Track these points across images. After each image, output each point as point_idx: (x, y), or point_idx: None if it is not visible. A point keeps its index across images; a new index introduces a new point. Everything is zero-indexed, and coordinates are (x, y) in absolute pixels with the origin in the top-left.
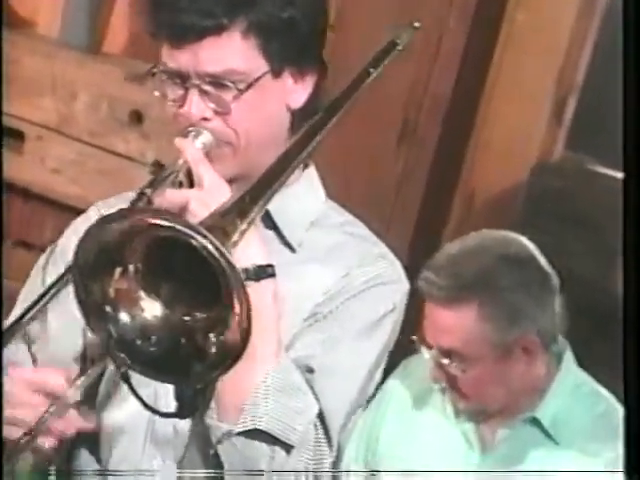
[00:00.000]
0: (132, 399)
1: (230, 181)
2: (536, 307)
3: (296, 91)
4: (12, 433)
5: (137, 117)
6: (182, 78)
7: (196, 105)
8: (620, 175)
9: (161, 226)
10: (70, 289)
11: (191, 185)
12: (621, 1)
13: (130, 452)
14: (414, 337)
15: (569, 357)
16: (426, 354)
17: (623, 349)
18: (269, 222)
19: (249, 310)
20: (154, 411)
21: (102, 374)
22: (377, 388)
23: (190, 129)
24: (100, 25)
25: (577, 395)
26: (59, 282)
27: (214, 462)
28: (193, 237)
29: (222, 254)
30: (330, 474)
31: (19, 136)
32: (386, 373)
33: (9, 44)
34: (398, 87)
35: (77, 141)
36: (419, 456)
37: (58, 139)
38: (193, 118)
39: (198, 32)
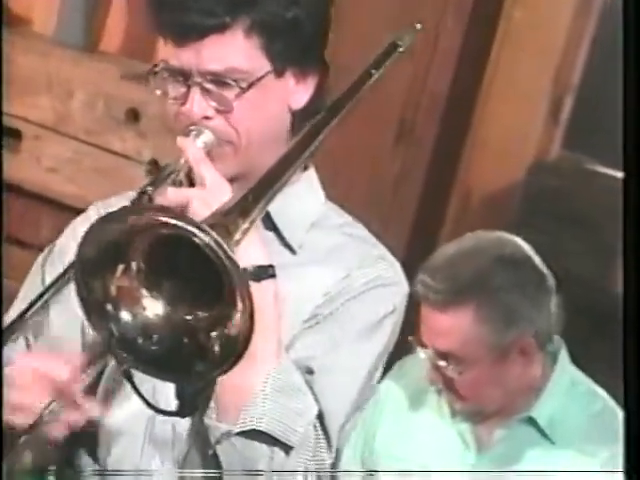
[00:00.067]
0: (132, 399)
1: (231, 180)
2: (532, 308)
3: (298, 92)
4: (15, 419)
5: (133, 115)
6: (184, 76)
7: (198, 103)
8: (617, 174)
9: (165, 224)
10: (72, 287)
11: (191, 185)
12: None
13: (129, 452)
14: (410, 338)
15: (564, 356)
16: (422, 354)
17: (623, 349)
18: (269, 223)
19: (252, 308)
20: (155, 409)
21: (101, 373)
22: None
23: (191, 128)
24: (96, 23)
25: (573, 394)
26: (60, 280)
27: (213, 462)
28: (196, 235)
29: (225, 252)
30: (329, 474)
31: (15, 135)
32: (382, 373)
33: (4, 43)
34: (395, 86)
35: (73, 140)
36: (416, 456)
37: (54, 138)
38: (194, 116)
39: (201, 30)
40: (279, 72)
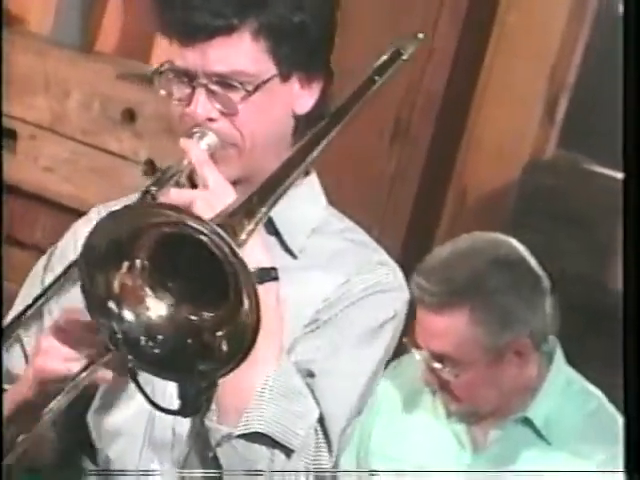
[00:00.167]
0: (132, 401)
1: (233, 183)
2: (527, 309)
3: (302, 96)
4: (57, 366)
5: (130, 116)
6: (189, 77)
7: (202, 105)
8: (613, 173)
9: (173, 221)
10: (72, 287)
11: (193, 186)
12: (612, 3)
13: (128, 454)
14: (405, 339)
15: (560, 356)
16: (417, 355)
17: (623, 348)
18: (271, 228)
19: (258, 307)
20: (158, 407)
21: None
22: None
23: (195, 130)
24: (92, 23)
25: (568, 394)
26: (60, 279)
27: (213, 465)
28: (205, 233)
29: (233, 251)
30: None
31: (12, 135)
32: None
33: (2, 42)
34: (391, 87)
35: (70, 140)
36: (411, 456)
37: (51, 138)
38: (199, 118)
39: (208, 31)
40: (285, 76)
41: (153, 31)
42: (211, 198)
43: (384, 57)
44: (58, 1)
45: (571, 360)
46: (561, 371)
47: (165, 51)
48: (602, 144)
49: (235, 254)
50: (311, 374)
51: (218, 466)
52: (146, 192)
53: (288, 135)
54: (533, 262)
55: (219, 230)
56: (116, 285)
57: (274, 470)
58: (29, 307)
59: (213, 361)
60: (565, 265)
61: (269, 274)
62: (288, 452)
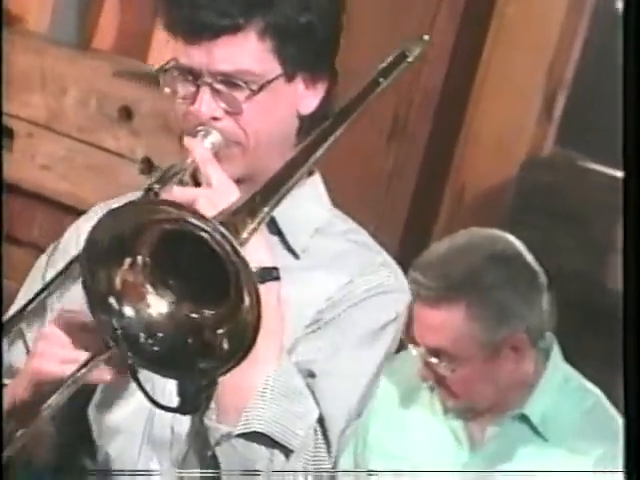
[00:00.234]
0: (131, 398)
1: (237, 182)
2: (524, 305)
3: (307, 97)
4: (52, 369)
5: (127, 113)
6: (194, 75)
7: (207, 104)
8: (610, 171)
9: (175, 218)
10: (74, 283)
11: (196, 185)
12: None
13: (127, 452)
14: (401, 335)
15: (557, 353)
16: (414, 351)
17: (623, 348)
18: (274, 227)
19: (259, 306)
20: (158, 405)
21: None
22: None
23: (199, 129)
24: (89, 21)
25: (565, 390)
26: (65, 270)
27: (212, 464)
28: (206, 230)
29: (234, 248)
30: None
31: (9, 133)
32: None
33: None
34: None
35: (67, 137)
36: (408, 453)
37: (48, 135)
38: (203, 116)
39: (214, 30)
40: (289, 76)
41: (150, 29)
42: (214, 196)
43: (389, 59)
44: None
45: (568, 358)
46: (558, 368)
47: (170, 49)
48: (600, 141)
49: (237, 252)
50: (312, 374)
51: (217, 465)
52: (149, 189)
53: (292, 135)
54: (530, 258)
55: (221, 228)
56: (117, 281)
57: (273, 470)
58: (30, 302)
59: (213, 359)
60: (562, 262)
61: (271, 273)
62: (287, 452)
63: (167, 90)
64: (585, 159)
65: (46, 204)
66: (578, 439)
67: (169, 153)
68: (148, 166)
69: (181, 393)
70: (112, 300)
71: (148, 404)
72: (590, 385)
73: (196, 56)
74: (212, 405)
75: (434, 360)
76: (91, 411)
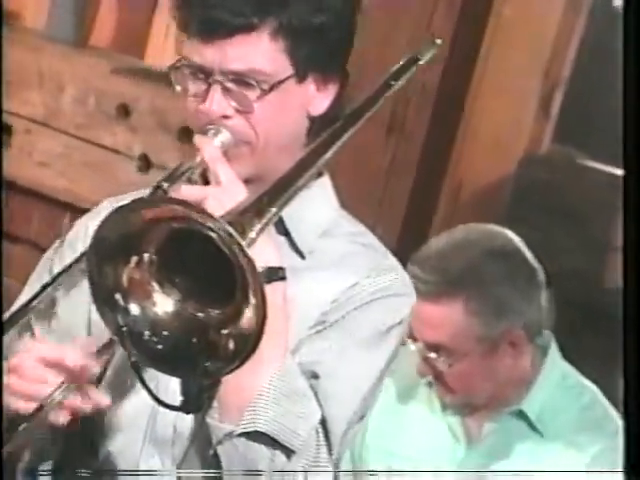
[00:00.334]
0: (134, 396)
1: (245, 182)
2: (522, 301)
3: (318, 98)
4: (20, 406)
5: (124, 110)
6: (205, 74)
7: (217, 102)
8: (608, 168)
9: (183, 217)
10: (80, 280)
11: (205, 183)
12: None
13: (128, 449)
14: None
15: (555, 350)
16: (412, 346)
17: (623, 347)
18: (281, 228)
19: (264, 306)
20: (161, 403)
21: (104, 369)
22: None
23: (209, 127)
24: (87, 18)
25: (563, 387)
26: (67, 271)
27: (213, 463)
28: (214, 229)
29: (241, 248)
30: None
31: (7, 130)
32: None
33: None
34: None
35: (64, 134)
36: (405, 449)
37: (46, 132)
38: (213, 115)
39: (228, 29)
40: (301, 77)
41: (147, 26)
42: (222, 195)
43: (401, 62)
44: None
45: (567, 356)
46: (556, 365)
47: (186, 47)
48: (598, 139)
49: (244, 252)
50: (315, 376)
51: (218, 464)
52: (157, 187)
53: (302, 135)
54: (528, 254)
55: (228, 227)
56: (124, 278)
57: (274, 470)
58: (37, 295)
59: (217, 359)
60: (560, 260)
61: (277, 274)
62: (289, 453)
63: (178, 88)
64: (583, 156)
65: (44, 201)
66: (575, 435)
67: (166, 150)
68: (145, 163)
69: (184, 392)
70: (118, 297)
71: (151, 401)
72: (587, 382)
73: (208, 54)
74: (215, 404)
75: (432, 355)
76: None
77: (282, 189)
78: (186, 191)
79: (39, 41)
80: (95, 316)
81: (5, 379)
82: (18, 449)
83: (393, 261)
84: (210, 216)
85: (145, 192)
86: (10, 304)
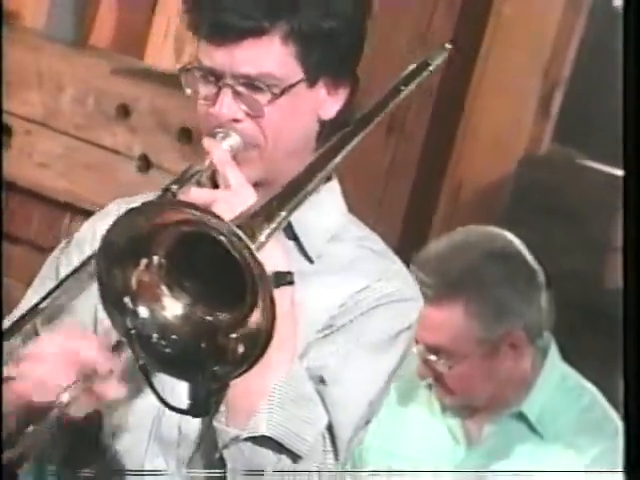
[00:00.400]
0: (139, 397)
1: (254, 185)
2: (522, 303)
3: (328, 102)
4: (37, 397)
5: (124, 111)
6: (216, 77)
7: (227, 106)
8: (607, 168)
9: (193, 220)
10: (87, 280)
11: (213, 187)
12: None
13: (134, 450)
14: None
15: (554, 352)
16: (413, 348)
17: (623, 347)
18: (289, 232)
19: (274, 311)
20: (169, 406)
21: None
22: None
23: (218, 130)
24: (86, 18)
25: (562, 389)
26: (81, 267)
27: (218, 466)
28: (224, 234)
29: (251, 252)
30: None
31: (7, 131)
32: None
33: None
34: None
35: (64, 135)
36: (405, 450)
37: (45, 133)
38: (223, 118)
39: (239, 32)
40: (312, 81)
41: (147, 26)
42: (232, 199)
43: (411, 67)
44: None
45: (567, 357)
46: (555, 366)
47: (200, 50)
48: (598, 139)
49: (253, 256)
50: (322, 381)
51: (223, 468)
52: (167, 190)
53: (312, 140)
54: (528, 256)
55: (238, 231)
56: (133, 281)
57: (276, 470)
58: (44, 298)
59: (226, 363)
60: (559, 260)
61: (285, 278)
62: (295, 458)
63: (188, 91)
64: (583, 157)
65: (44, 202)
66: (575, 437)
67: (166, 150)
68: (145, 163)
69: (192, 395)
70: (127, 300)
71: (156, 403)
72: (587, 383)
73: (219, 58)
74: (222, 407)
75: (432, 357)
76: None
77: (292, 193)
78: (195, 194)
79: (38, 41)
80: (102, 315)
81: (17, 370)
82: (21, 452)
83: (401, 266)
84: (220, 219)
85: (154, 194)
86: (10, 304)
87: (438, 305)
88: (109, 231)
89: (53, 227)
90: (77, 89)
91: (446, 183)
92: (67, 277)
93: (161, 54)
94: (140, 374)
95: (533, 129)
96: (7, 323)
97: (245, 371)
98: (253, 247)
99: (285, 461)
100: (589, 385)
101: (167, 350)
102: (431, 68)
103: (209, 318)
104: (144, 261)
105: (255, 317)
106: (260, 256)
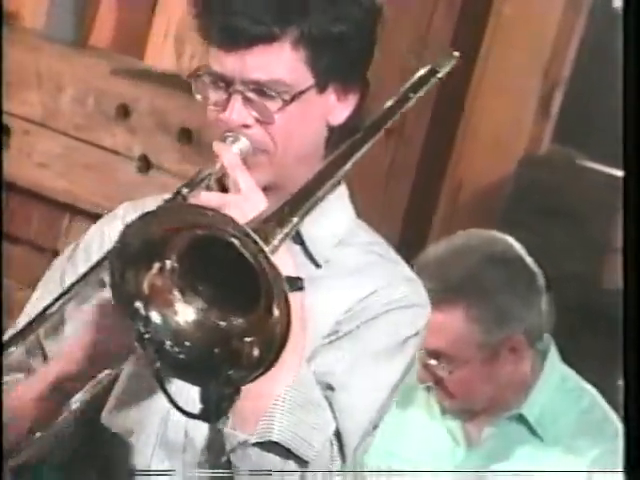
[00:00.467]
0: (146, 401)
1: (263, 190)
2: (522, 307)
3: (338, 108)
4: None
5: (124, 111)
6: (226, 83)
7: (237, 112)
8: (606, 169)
9: (207, 224)
10: (95, 287)
11: (222, 191)
12: None
13: (140, 454)
14: None
15: (554, 353)
16: None
17: (623, 347)
18: (296, 237)
19: (289, 313)
20: (181, 410)
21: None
22: None
23: (228, 134)
24: (86, 18)
25: (562, 391)
26: (89, 273)
27: (224, 468)
28: (239, 237)
29: (266, 257)
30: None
31: (5, 131)
32: None
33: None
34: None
35: (63, 135)
36: (405, 452)
37: (45, 133)
38: (233, 124)
39: (249, 38)
40: (321, 87)
41: (147, 26)
42: (243, 203)
43: (419, 74)
44: None
45: (567, 358)
46: (555, 368)
47: (210, 56)
48: (597, 139)
49: (268, 260)
50: (330, 387)
51: (229, 468)
52: (177, 193)
53: (321, 145)
54: (528, 259)
55: (253, 234)
56: (145, 286)
57: (278, 470)
58: (50, 305)
59: (241, 367)
60: (559, 260)
61: (295, 284)
62: (301, 463)
63: (198, 97)
64: (582, 157)
65: (43, 202)
66: (574, 439)
67: (166, 151)
68: (145, 164)
69: (204, 400)
70: (139, 304)
71: (163, 407)
72: (586, 385)
73: (229, 63)
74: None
75: (433, 362)
76: (105, 415)
77: (303, 199)
78: (206, 197)
79: (38, 41)
80: None
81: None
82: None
83: (409, 272)
84: (234, 223)
85: (162, 197)
86: (10, 304)
87: (438, 310)
88: (122, 234)
89: (52, 227)
90: (77, 89)
91: (446, 183)
92: (74, 284)
93: (161, 54)
94: (147, 376)
95: (533, 129)
96: (11, 331)
97: (259, 375)
98: (267, 250)
99: (291, 466)
100: (589, 387)
101: (180, 356)
102: (439, 75)
103: (223, 323)
104: (157, 265)
105: (271, 320)
106: (274, 261)
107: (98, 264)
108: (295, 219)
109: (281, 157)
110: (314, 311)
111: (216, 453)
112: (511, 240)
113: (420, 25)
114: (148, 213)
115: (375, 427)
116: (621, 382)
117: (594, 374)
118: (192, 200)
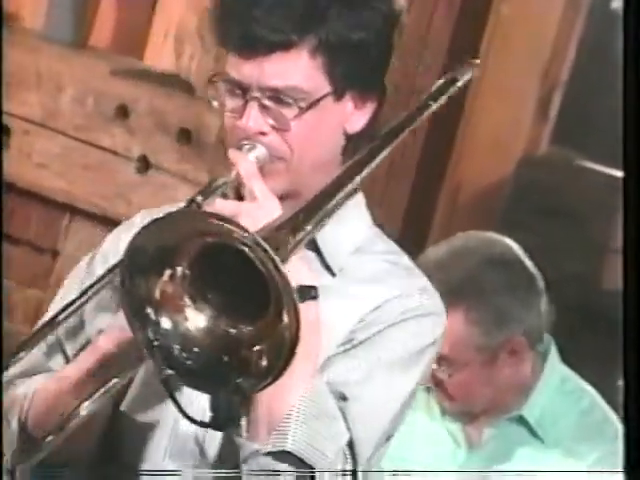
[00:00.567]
0: (157, 409)
1: (280, 198)
2: (522, 309)
3: (355, 116)
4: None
5: (123, 112)
6: (243, 90)
7: (254, 119)
8: (605, 169)
9: (218, 232)
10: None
11: (238, 199)
12: None
13: (150, 461)
14: None
15: (554, 354)
16: None
17: (623, 348)
18: (312, 244)
19: (298, 323)
20: (191, 419)
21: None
22: None
23: (244, 142)
24: (86, 19)
25: (562, 392)
26: (104, 278)
27: (235, 478)
28: (249, 245)
29: (276, 265)
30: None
31: (5, 131)
32: None
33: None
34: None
35: (63, 136)
36: (406, 454)
37: (44, 134)
38: (249, 131)
39: (267, 46)
40: (339, 95)
41: (147, 27)
42: (257, 211)
43: (439, 82)
44: None
45: (566, 359)
46: (555, 369)
47: (227, 63)
48: (596, 140)
49: (278, 269)
50: (343, 397)
51: (239, 478)
52: (192, 201)
53: (338, 153)
54: (528, 261)
55: (263, 243)
56: (156, 292)
57: (289, 471)
58: (66, 307)
59: (250, 375)
60: (558, 260)
61: (309, 292)
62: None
63: (215, 104)
64: (581, 158)
65: (42, 202)
66: (575, 440)
67: (165, 151)
68: (144, 164)
69: (214, 408)
70: (149, 310)
71: (173, 413)
72: (586, 386)
73: (247, 70)
74: (242, 421)
75: (433, 365)
76: (116, 420)
77: (318, 207)
78: (220, 205)
79: (37, 42)
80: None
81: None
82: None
83: (425, 281)
84: (245, 231)
85: (179, 206)
86: (9, 304)
87: None
88: (134, 240)
89: (52, 227)
90: (76, 90)
91: (445, 184)
92: (89, 287)
93: (161, 54)
94: (158, 385)
95: (532, 130)
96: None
97: (270, 383)
98: (277, 259)
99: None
100: (589, 387)
101: (189, 362)
102: (459, 84)
103: (232, 330)
104: (168, 272)
105: (280, 329)
106: (285, 269)
107: (110, 271)
108: (309, 227)
109: (297, 165)
110: (328, 320)
111: (228, 462)
112: (510, 242)
113: (420, 25)
114: (158, 219)
115: (389, 437)
116: (621, 382)
117: (594, 374)
118: (207, 208)
